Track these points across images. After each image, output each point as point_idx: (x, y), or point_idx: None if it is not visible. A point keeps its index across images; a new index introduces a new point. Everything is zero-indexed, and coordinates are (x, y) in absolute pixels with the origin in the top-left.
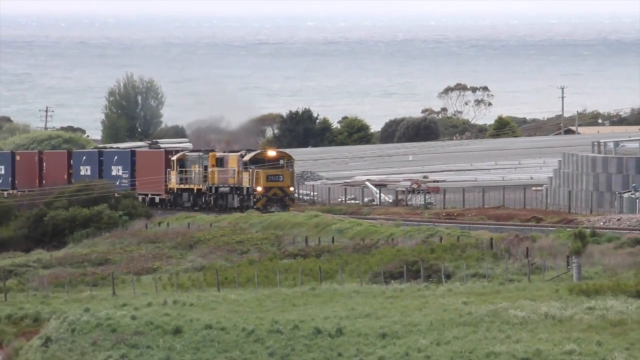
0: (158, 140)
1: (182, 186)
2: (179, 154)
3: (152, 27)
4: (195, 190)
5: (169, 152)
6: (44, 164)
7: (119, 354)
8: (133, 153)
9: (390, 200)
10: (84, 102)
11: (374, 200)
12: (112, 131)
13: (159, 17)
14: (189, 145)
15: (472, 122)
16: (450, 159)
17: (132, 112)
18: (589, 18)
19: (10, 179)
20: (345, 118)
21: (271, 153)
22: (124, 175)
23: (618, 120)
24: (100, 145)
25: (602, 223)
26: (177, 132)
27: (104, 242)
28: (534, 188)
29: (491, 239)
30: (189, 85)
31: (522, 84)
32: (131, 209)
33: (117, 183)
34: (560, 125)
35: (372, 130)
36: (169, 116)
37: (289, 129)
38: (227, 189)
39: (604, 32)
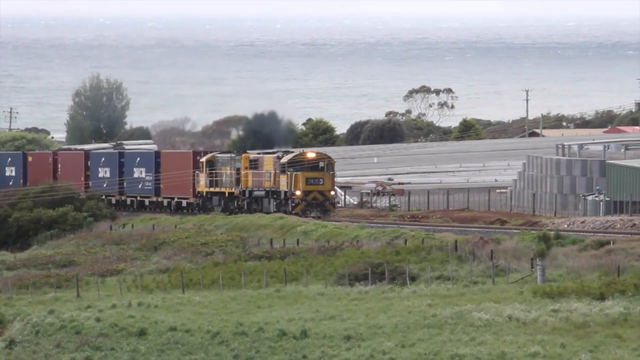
0: (123, 142)
1: (212, 189)
2: (208, 155)
3: (125, 27)
4: (226, 194)
5: (197, 153)
6: (59, 166)
7: (83, 356)
8: (157, 154)
9: (355, 203)
10: (53, 102)
11: (339, 202)
12: (77, 132)
13: (134, 18)
14: (154, 147)
15: (437, 125)
16: (414, 161)
17: (97, 114)
18: (563, 21)
19: (21, 181)
20: (310, 120)
21: (310, 155)
22: (147, 178)
23: (582, 123)
24: (65, 147)
25: (566, 225)
26: (143, 134)
27: (69, 244)
28: (498, 190)
29: (456, 241)
30: (156, 87)
31: (488, 87)
32: (96, 210)
33: (140, 186)
34: (524, 128)
35: (337, 133)
36: (135, 118)
37: (254, 130)
38: (262, 193)
39: (577, 35)
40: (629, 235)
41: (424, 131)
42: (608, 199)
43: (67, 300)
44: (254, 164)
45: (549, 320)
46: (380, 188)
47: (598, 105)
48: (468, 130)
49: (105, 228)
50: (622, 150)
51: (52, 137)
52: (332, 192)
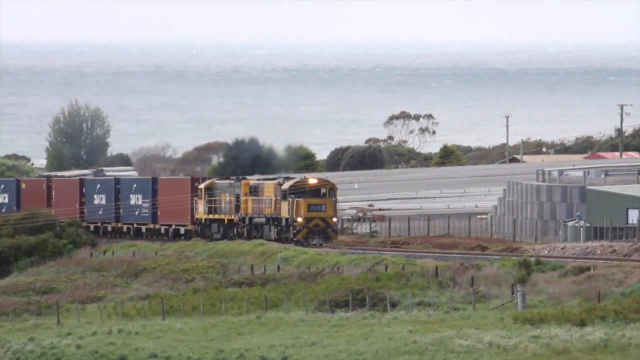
0: (104, 168)
1: (211, 216)
2: (207, 182)
3: (108, 54)
4: (226, 221)
5: (195, 180)
6: (53, 192)
7: None
8: (155, 180)
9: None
10: (35, 129)
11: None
12: (57, 159)
13: (118, 45)
14: (135, 174)
15: (418, 151)
16: (395, 187)
17: (77, 140)
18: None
19: (14, 208)
20: (289, 146)
21: (312, 181)
22: (144, 205)
23: (562, 149)
24: (45, 174)
25: (546, 251)
26: (123, 161)
27: (49, 271)
28: (479, 216)
29: (436, 267)
30: (137, 113)
31: (469, 113)
32: (76, 237)
33: (137, 213)
34: (505, 154)
35: (317, 159)
36: (115, 145)
37: (235, 156)
38: (262, 220)
39: (558, 61)
40: (610, 262)
41: (404, 157)
42: (588, 224)
43: (48, 328)
44: (254, 191)
45: (529, 347)
46: (360, 214)
47: (578, 131)
48: (448, 156)
49: (86, 255)
50: (602, 176)
51: (32, 164)
52: (335, 219)
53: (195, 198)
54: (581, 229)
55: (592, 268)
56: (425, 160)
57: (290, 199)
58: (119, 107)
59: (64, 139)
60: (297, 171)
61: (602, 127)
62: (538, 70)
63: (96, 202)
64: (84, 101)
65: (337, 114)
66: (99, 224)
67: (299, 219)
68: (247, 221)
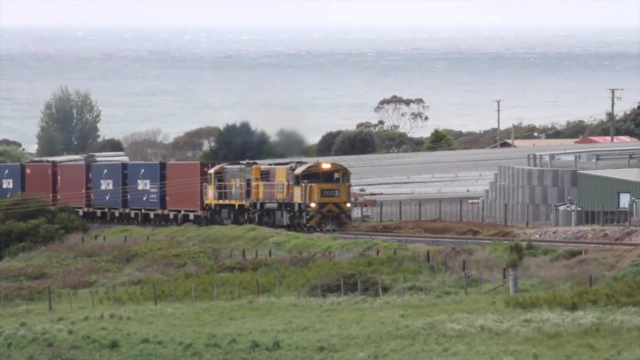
0: (94, 153)
1: (220, 202)
2: (216, 167)
3: (100, 40)
4: (236, 207)
5: (204, 165)
6: (59, 177)
7: None
8: (163, 165)
9: None
10: (27, 114)
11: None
12: (48, 145)
13: (110, 30)
14: (126, 159)
15: (409, 135)
16: (386, 171)
17: (68, 126)
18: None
19: (19, 193)
20: (282, 131)
21: (326, 165)
22: (152, 190)
23: (554, 133)
24: (37, 159)
25: (538, 236)
26: (114, 146)
27: (40, 256)
28: (470, 201)
29: (428, 251)
30: (128, 98)
31: (461, 96)
32: (67, 222)
33: (145, 198)
34: (496, 138)
35: (309, 143)
36: (106, 130)
37: (226, 141)
38: (274, 205)
39: (550, 45)
40: (601, 245)
41: (395, 142)
42: (580, 209)
43: (39, 313)
44: (265, 175)
45: (521, 331)
46: (352, 199)
47: (569, 115)
48: (440, 140)
49: (77, 240)
50: (594, 160)
51: (24, 150)
52: (348, 204)
53: (204, 183)
54: (572, 213)
55: (583, 252)
56: (416, 145)
57: (303, 184)
58: (113, 92)
59: (55, 125)
60: (290, 156)
61: (594, 112)
62: (531, 55)
63: (103, 187)
64: (75, 87)
65: (330, 99)
66: (106, 210)
67: (312, 205)
68: (258, 206)
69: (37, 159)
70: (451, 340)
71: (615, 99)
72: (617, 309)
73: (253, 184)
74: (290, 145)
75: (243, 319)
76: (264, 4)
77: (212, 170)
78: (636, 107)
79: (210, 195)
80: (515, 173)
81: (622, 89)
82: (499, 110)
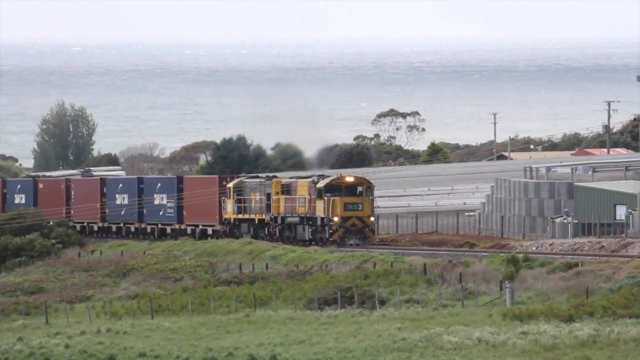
0: (91, 168)
1: (240, 216)
2: (235, 181)
3: (99, 54)
4: (256, 221)
5: (223, 179)
6: (72, 192)
7: None
8: (180, 179)
9: None
10: (25, 129)
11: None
12: (44, 160)
13: (111, 45)
14: (122, 173)
15: (405, 148)
16: (383, 185)
17: (64, 140)
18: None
19: (32, 208)
20: (278, 144)
21: (349, 179)
22: (169, 205)
23: (550, 145)
24: (33, 174)
25: (534, 248)
26: (111, 160)
27: (37, 271)
28: (467, 213)
29: (425, 264)
30: (125, 113)
31: (457, 110)
32: (64, 237)
33: (161, 213)
34: (492, 151)
35: (305, 156)
36: (103, 145)
37: (223, 155)
38: (296, 219)
39: (547, 57)
40: (597, 257)
41: (392, 155)
42: (576, 221)
43: (36, 328)
44: (286, 189)
45: (518, 343)
46: None
47: (567, 128)
48: (436, 153)
49: (74, 255)
50: (590, 172)
51: (20, 165)
52: (372, 218)
53: (223, 197)
54: (569, 225)
55: (580, 264)
56: (413, 158)
57: (325, 198)
58: (111, 107)
59: (51, 140)
60: (285, 170)
61: (591, 124)
62: (529, 67)
63: (118, 202)
64: (71, 101)
65: (325, 112)
66: (122, 225)
67: (335, 219)
68: (279, 221)
69: (32, 174)
70: (448, 352)
71: (611, 111)
72: (614, 321)
73: (274, 197)
74: (285, 158)
75: (240, 333)
76: (262, 19)
77: (231, 184)
78: (632, 119)
79: (229, 209)
80: (511, 185)
81: (618, 101)
82: (495, 123)
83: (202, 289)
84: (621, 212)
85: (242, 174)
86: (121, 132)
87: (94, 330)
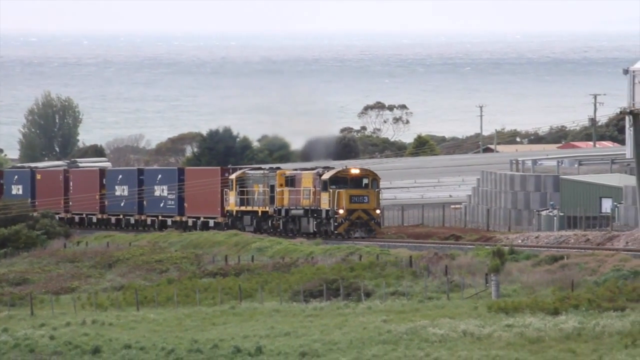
0: (77, 159)
1: (243, 208)
2: (238, 172)
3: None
4: (259, 213)
5: (225, 170)
6: (71, 183)
7: None
8: (182, 171)
9: None
10: (14, 120)
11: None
12: (30, 150)
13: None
14: (108, 165)
15: (392, 141)
16: None
17: (49, 131)
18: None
19: (29, 199)
20: (264, 136)
21: (354, 171)
22: (170, 196)
23: (536, 138)
24: (19, 165)
25: (520, 241)
26: (97, 152)
27: (22, 262)
28: (452, 206)
29: (410, 257)
30: (111, 104)
31: (446, 102)
32: (49, 228)
33: (162, 205)
34: (479, 144)
35: (292, 149)
36: (89, 136)
37: (209, 147)
38: (300, 212)
39: (535, 51)
40: (583, 250)
41: (378, 147)
42: (562, 214)
43: (21, 319)
44: (291, 181)
45: (503, 336)
46: None
47: (552, 121)
48: (422, 146)
49: (59, 246)
50: (576, 165)
51: (5, 155)
52: (378, 211)
53: (225, 189)
54: (555, 218)
55: (565, 257)
56: (399, 150)
57: (331, 190)
58: (97, 98)
59: (37, 130)
60: (271, 162)
61: (576, 117)
62: (517, 60)
63: (118, 193)
64: (58, 92)
65: (312, 104)
66: (121, 217)
67: (341, 211)
68: (283, 213)
69: (18, 164)
70: (433, 345)
71: (597, 105)
72: (599, 314)
73: (277, 189)
74: (272, 150)
75: (225, 325)
76: (249, 11)
77: (233, 176)
78: (618, 113)
79: (232, 201)
80: (497, 178)
81: (604, 95)
82: (481, 116)
83: (188, 281)
84: (607, 205)
85: (246, 166)
86: (107, 123)
87: (79, 322)
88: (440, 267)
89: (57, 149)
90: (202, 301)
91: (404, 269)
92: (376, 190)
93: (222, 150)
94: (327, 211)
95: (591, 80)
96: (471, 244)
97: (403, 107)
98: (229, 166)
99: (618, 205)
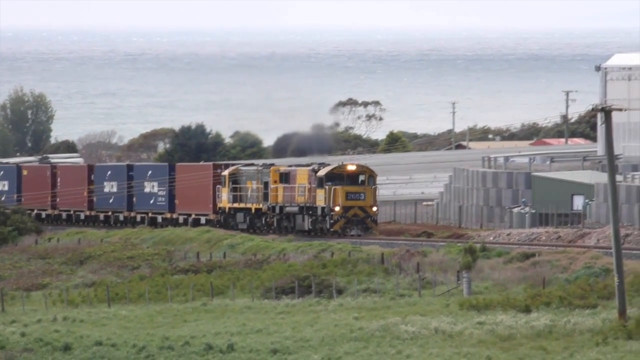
0: (49, 155)
1: (235, 205)
2: (231, 168)
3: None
4: (253, 210)
5: (217, 166)
6: (58, 179)
7: None
8: (172, 167)
9: None
10: None
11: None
12: (2, 146)
13: (69, 31)
14: (80, 161)
15: (364, 137)
16: None
17: (22, 127)
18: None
19: (15, 196)
20: (237, 133)
21: (351, 167)
22: (161, 193)
23: (508, 135)
24: (4, 160)
25: (492, 238)
26: (69, 147)
27: None
28: (425, 203)
29: (382, 254)
30: (84, 100)
31: (417, 99)
32: (20, 224)
33: (152, 201)
34: (451, 140)
35: (264, 145)
36: (62, 131)
37: (181, 143)
38: (295, 209)
39: (507, 48)
40: (554, 248)
41: (351, 144)
42: (534, 211)
43: None
44: (285, 178)
45: (474, 333)
46: None
47: (524, 117)
48: (395, 142)
49: (31, 242)
50: (548, 162)
51: None
52: (375, 208)
53: (217, 185)
54: (526, 215)
55: (537, 254)
56: (371, 147)
57: (326, 187)
58: (70, 93)
59: (9, 126)
60: (244, 158)
61: (548, 114)
62: (494, 57)
63: (106, 189)
64: (31, 87)
65: (281, 100)
66: (110, 213)
67: (337, 208)
68: (277, 210)
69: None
70: (405, 342)
71: (569, 101)
72: (570, 311)
73: (271, 186)
74: (245, 146)
75: (197, 321)
76: (227, 6)
77: (226, 172)
78: (591, 110)
79: (224, 198)
80: (469, 175)
81: (576, 91)
82: (454, 112)
83: (160, 277)
84: (578, 202)
85: (238, 162)
86: (79, 119)
87: (50, 319)
88: (412, 264)
89: (29, 144)
90: (173, 298)
91: (375, 266)
92: (373, 187)
93: (194, 147)
94: (323, 208)
95: (566, 76)
96: (443, 241)
97: (376, 103)
98: (222, 162)
99: (590, 202)
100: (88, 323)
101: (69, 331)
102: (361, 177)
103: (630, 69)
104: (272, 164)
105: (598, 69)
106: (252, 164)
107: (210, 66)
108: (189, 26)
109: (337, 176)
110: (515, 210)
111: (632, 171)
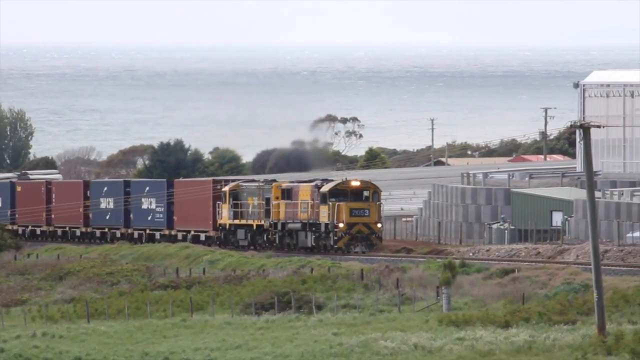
0: (27, 171)
1: (236, 222)
2: (231, 184)
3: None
4: (254, 227)
5: (217, 182)
6: (53, 195)
7: None
8: (170, 183)
9: None
10: None
11: None
12: None
13: (46, 48)
14: (59, 177)
15: (343, 154)
16: None
17: (0, 143)
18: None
19: (8, 212)
20: (216, 149)
21: (354, 183)
22: (159, 209)
23: (487, 151)
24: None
25: (471, 254)
26: (48, 164)
27: None
28: (404, 219)
29: (362, 269)
30: (65, 116)
31: (395, 115)
32: None
33: (150, 218)
34: (430, 157)
35: (243, 161)
36: (41, 148)
37: (160, 159)
38: (298, 225)
39: (485, 64)
40: (534, 264)
41: (330, 160)
42: (513, 227)
43: None
44: (287, 194)
45: (454, 349)
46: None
47: (503, 134)
48: (374, 159)
49: (10, 258)
50: (527, 178)
51: None
52: (379, 225)
53: (218, 202)
54: (506, 231)
55: (516, 270)
56: (350, 163)
57: (330, 203)
58: (49, 110)
59: None
60: (222, 174)
61: (527, 130)
62: (477, 74)
63: (103, 206)
64: (9, 104)
65: (260, 116)
66: (107, 230)
67: (341, 225)
68: (279, 227)
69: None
70: (384, 358)
71: (548, 118)
72: (550, 327)
73: (273, 202)
74: (223, 162)
75: (176, 337)
76: (215, 23)
77: (226, 188)
78: (569, 126)
79: (225, 214)
80: (448, 191)
81: (555, 108)
82: (432, 129)
83: (139, 293)
84: (557, 218)
85: (239, 177)
86: (61, 135)
87: (29, 334)
88: (391, 279)
89: (7, 161)
90: (153, 314)
91: (355, 281)
92: (377, 203)
93: (173, 163)
94: (327, 225)
95: (546, 93)
96: (422, 257)
97: (355, 119)
98: (222, 177)
99: (569, 218)
100: (67, 339)
101: (48, 347)
102: (365, 193)
103: (608, 85)
104: (274, 180)
105: (576, 86)
106: (253, 180)
107: (192, 84)
108: (168, 43)
109: (340, 192)
110: (495, 226)
111: (610, 187)
